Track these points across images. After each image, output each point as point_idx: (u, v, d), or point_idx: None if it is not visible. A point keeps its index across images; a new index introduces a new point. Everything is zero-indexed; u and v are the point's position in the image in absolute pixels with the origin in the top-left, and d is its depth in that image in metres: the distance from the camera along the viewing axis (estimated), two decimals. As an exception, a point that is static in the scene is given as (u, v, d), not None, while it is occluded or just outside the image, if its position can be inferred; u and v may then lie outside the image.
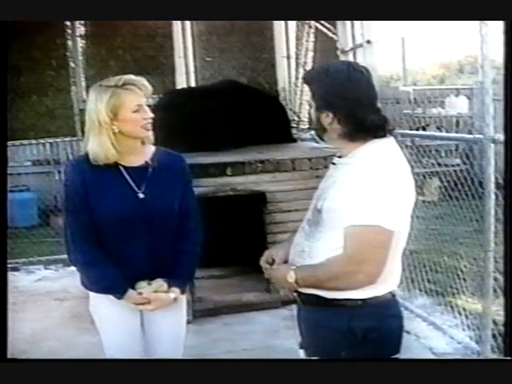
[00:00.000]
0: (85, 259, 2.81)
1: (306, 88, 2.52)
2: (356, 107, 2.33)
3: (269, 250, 2.63)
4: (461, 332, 4.66)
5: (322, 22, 6.34)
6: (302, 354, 2.52)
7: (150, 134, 2.85)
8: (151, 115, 2.80)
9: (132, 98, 2.73)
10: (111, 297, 2.84)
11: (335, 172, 2.43)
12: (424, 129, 10.18)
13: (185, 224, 2.90)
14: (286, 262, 2.52)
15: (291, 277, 2.38)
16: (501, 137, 3.59)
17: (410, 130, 6.32)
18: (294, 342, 2.60)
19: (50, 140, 7.94)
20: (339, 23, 5.48)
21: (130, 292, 2.80)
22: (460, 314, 4.79)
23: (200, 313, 5.18)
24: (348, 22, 5.29)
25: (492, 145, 3.78)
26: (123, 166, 2.82)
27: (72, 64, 7.31)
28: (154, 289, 2.83)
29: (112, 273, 2.78)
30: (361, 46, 5.18)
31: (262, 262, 2.59)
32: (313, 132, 2.66)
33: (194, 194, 3.05)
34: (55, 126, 7.48)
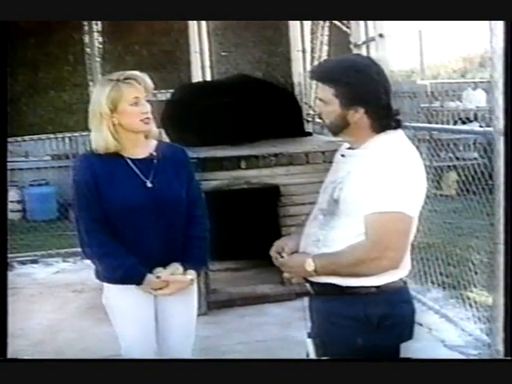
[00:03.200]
0: (100, 250, 2.87)
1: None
2: (387, 100, 2.37)
3: (278, 240, 2.63)
4: (472, 324, 4.67)
5: (336, 16, 6.35)
6: (309, 344, 2.51)
7: (153, 128, 2.93)
8: (149, 109, 2.87)
9: (131, 91, 2.81)
10: (125, 289, 2.89)
11: (347, 163, 2.44)
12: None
13: (193, 212, 3.00)
14: (295, 252, 2.51)
15: (310, 265, 2.38)
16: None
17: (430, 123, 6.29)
18: (306, 333, 2.60)
19: (69, 134, 8.01)
20: (352, 17, 5.49)
21: (149, 276, 2.86)
22: (471, 306, 4.81)
23: (215, 304, 5.22)
24: (361, 16, 5.30)
25: (502, 138, 3.79)
26: (129, 159, 2.90)
27: (89, 59, 7.38)
28: (170, 272, 2.90)
29: (129, 260, 2.84)
30: (373, 39, 5.19)
31: (272, 252, 2.59)
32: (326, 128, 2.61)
33: (199, 184, 3.18)
34: (73, 121, 7.54)
